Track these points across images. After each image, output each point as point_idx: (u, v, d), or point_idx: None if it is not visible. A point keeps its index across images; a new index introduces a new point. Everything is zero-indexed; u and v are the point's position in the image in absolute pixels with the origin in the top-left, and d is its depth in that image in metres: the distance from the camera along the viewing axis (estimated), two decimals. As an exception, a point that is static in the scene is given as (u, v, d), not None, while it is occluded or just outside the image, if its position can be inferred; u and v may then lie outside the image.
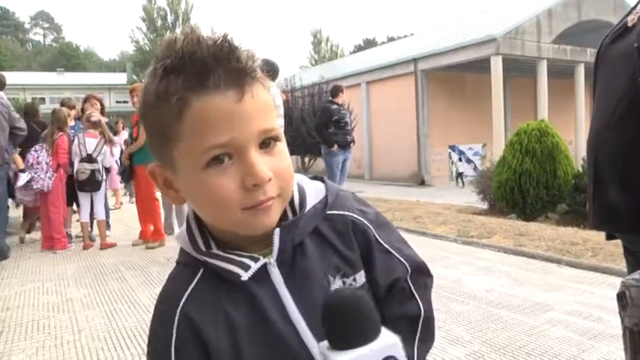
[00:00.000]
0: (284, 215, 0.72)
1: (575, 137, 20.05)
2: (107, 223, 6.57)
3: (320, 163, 12.15)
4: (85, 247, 5.98)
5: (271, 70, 4.93)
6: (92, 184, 5.95)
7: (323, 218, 0.75)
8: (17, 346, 3.11)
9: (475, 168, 21.32)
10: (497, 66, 19.43)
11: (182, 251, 0.75)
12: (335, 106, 7.94)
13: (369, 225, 0.78)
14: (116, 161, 8.75)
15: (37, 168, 5.85)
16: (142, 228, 6.12)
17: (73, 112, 6.89)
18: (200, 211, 0.70)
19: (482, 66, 20.08)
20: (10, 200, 6.56)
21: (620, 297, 0.92)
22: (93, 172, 5.91)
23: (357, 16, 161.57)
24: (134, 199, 10.55)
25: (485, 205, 9.52)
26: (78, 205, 6.41)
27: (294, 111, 17.69)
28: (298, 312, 0.70)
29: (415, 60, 22.69)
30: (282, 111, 5.44)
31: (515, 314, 3.37)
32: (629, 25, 0.99)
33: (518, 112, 23.02)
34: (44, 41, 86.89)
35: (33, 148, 6.09)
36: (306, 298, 0.71)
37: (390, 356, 0.57)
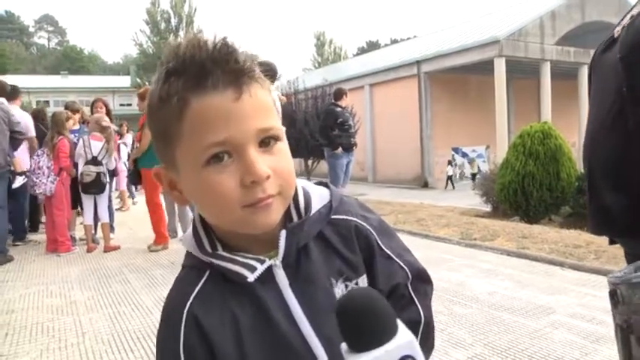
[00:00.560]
0: (289, 218, 0.73)
1: (578, 139, 20.01)
2: (111, 226, 6.59)
3: (323, 166, 12.15)
4: (88, 250, 6.01)
5: (269, 71, 4.94)
6: (97, 186, 5.97)
7: (327, 223, 0.76)
8: (22, 348, 3.12)
9: (478, 170, 21.28)
10: (500, 68, 19.43)
11: (188, 254, 0.77)
12: (339, 109, 7.94)
13: (371, 230, 0.79)
14: (124, 163, 8.82)
15: (39, 173, 5.89)
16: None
17: (77, 116, 6.92)
18: (203, 210, 0.71)
19: (485, 68, 20.09)
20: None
21: (612, 295, 0.94)
22: (98, 174, 5.94)
23: (361, 18, 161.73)
24: (136, 200, 10.62)
25: (488, 208, 9.52)
26: (82, 208, 6.44)
27: (298, 114, 17.72)
28: (303, 314, 0.71)
29: (418, 62, 22.72)
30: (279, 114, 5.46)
31: (517, 317, 3.36)
32: (615, 36, 1.01)
33: (521, 113, 23.02)
34: (48, 44, 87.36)
35: (35, 153, 6.13)
36: (310, 300, 0.72)
37: (406, 355, 0.57)
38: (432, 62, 22.17)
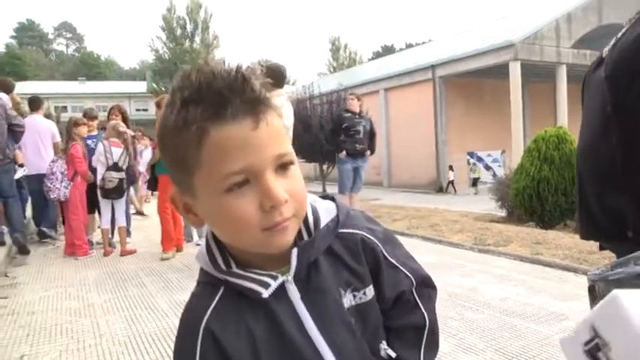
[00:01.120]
0: (299, 235, 0.76)
1: (596, 143, 19.80)
2: (128, 230, 6.70)
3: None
4: (105, 254, 6.12)
5: (277, 75, 4.92)
6: (118, 191, 6.10)
7: (335, 236, 0.79)
8: (42, 348, 3.21)
9: (494, 175, 21.12)
10: (515, 72, 19.28)
11: (202, 271, 0.79)
12: (348, 114, 7.92)
13: (377, 242, 0.83)
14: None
15: (52, 178, 6.07)
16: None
17: (95, 122, 7.06)
18: (220, 233, 0.73)
19: (500, 72, 19.95)
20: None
21: (591, 290, 0.98)
22: (120, 180, 6.06)
23: (376, 23, 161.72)
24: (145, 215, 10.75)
25: (503, 213, 9.46)
26: (100, 213, 6.56)
27: (313, 118, 17.78)
28: (314, 324, 0.74)
29: (433, 66, 22.64)
30: (291, 120, 5.39)
31: (529, 323, 3.37)
32: (603, 56, 1.05)
33: (537, 118, 22.83)
34: (67, 51, 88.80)
35: (51, 159, 6.32)
36: (320, 311, 0.75)
37: None
38: (447, 66, 22.07)
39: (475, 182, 22.20)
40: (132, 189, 9.14)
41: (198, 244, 6.30)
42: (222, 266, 0.75)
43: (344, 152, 7.71)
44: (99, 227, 6.60)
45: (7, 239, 6.06)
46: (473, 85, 22.55)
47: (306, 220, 0.77)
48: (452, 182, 22.16)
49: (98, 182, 6.06)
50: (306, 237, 0.78)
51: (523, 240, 5.90)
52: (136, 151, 7.04)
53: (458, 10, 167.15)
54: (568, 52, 20.25)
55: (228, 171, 0.65)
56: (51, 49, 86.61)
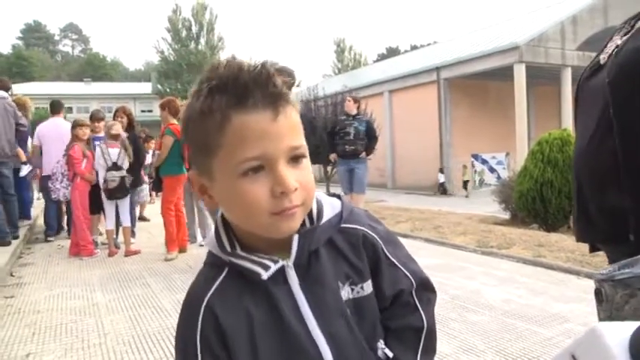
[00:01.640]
0: (302, 224, 0.79)
1: (601, 146, 19.73)
2: (132, 230, 6.74)
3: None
4: (110, 254, 6.16)
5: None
6: (122, 190, 6.13)
7: (337, 231, 0.83)
8: (47, 347, 3.25)
9: (498, 177, 21.09)
10: (520, 74, 19.26)
11: (209, 253, 0.84)
12: (343, 117, 7.92)
13: (378, 239, 0.85)
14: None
15: (53, 179, 6.14)
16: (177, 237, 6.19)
17: (101, 124, 7.11)
18: (232, 214, 0.77)
19: (505, 74, 19.93)
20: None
21: (597, 293, 1.00)
22: (122, 178, 6.09)
23: (381, 24, 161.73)
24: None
25: (507, 215, 9.46)
26: (104, 214, 6.61)
27: (318, 120, 17.80)
28: (311, 312, 0.77)
29: (438, 68, 22.63)
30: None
31: (530, 325, 3.38)
32: (602, 63, 1.07)
33: (542, 120, 22.81)
34: (73, 52, 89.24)
35: (48, 158, 6.44)
36: (318, 300, 0.78)
37: None
38: (452, 68, 22.07)
39: (465, 185, 22.21)
40: (143, 194, 9.22)
41: (201, 245, 6.33)
42: (228, 248, 0.79)
43: (333, 155, 7.68)
44: (102, 228, 6.65)
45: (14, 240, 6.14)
46: (477, 87, 22.53)
47: (310, 212, 0.81)
48: (442, 184, 22.19)
49: (101, 184, 6.10)
50: (308, 226, 0.81)
51: (526, 242, 5.91)
52: (142, 152, 7.08)
53: (463, 12, 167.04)
54: (573, 54, 20.21)
55: (246, 156, 0.70)
56: (57, 50, 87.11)
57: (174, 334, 0.82)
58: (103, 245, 6.67)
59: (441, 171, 22.37)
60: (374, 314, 0.84)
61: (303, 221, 0.79)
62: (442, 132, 22.65)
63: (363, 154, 7.54)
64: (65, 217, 7.87)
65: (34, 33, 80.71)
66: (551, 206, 7.94)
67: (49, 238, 7.35)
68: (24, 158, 6.91)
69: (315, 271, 0.79)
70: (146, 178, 8.96)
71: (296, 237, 0.77)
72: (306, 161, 0.76)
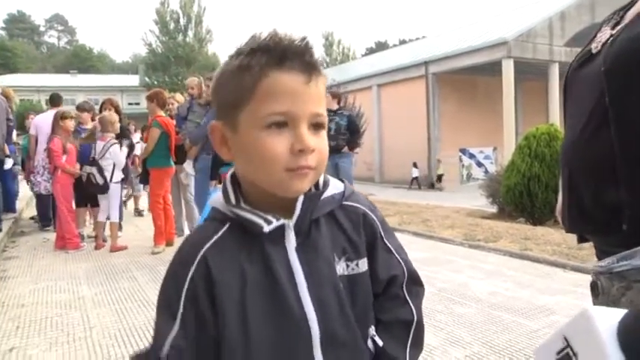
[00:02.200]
0: (308, 191, 0.82)
1: (587, 141, 19.92)
2: (119, 224, 6.66)
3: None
4: (97, 247, 6.10)
5: None
6: (92, 187, 6.02)
7: (340, 207, 0.86)
8: (32, 341, 3.21)
9: (486, 172, 21.23)
10: (508, 69, 19.36)
11: (212, 210, 0.86)
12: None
13: (377, 222, 0.89)
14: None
15: (34, 172, 6.05)
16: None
17: (87, 115, 7.04)
18: (247, 167, 0.80)
19: (493, 69, 20.04)
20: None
21: (593, 286, 1.00)
22: (88, 175, 5.99)
23: (369, 18, 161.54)
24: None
25: (494, 209, 9.53)
26: (91, 207, 6.54)
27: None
28: (303, 278, 0.79)
29: (426, 63, 22.68)
30: None
31: (516, 317, 3.41)
32: (594, 52, 1.07)
33: (529, 115, 22.95)
34: (58, 44, 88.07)
35: (41, 149, 6.35)
36: (311, 266, 0.80)
37: None
38: (440, 63, 22.13)
39: (440, 178, 22.42)
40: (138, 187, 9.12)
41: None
42: (233, 201, 0.82)
43: None
44: (90, 222, 6.58)
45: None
46: (466, 82, 22.63)
47: (317, 183, 0.85)
48: (416, 179, 22.34)
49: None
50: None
51: (513, 236, 5.95)
52: (132, 144, 7.00)
53: (452, 7, 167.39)
54: (561, 50, 20.36)
55: (274, 110, 0.75)
56: (42, 41, 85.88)
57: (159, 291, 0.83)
58: (89, 238, 6.61)
59: (415, 165, 22.55)
60: (367, 296, 0.86)
61: (310, 190, 0.82)
62: (430, 126, 22.73)
63: (346, 148, 7.42)
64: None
65: (18, 24, 79.45)
66: (538, 200, 8.01)
67: (47, 228, 7.37)
68: (7, 151, 6.88)
69: (314, 239, 0.82)
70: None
71: (301, 197, 0.80)
72: (324, 132, 0.80)
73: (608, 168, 0.98)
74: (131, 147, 6.74)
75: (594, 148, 1.01)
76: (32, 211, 8.85)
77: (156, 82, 33.31)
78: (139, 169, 7.01)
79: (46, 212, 7.48)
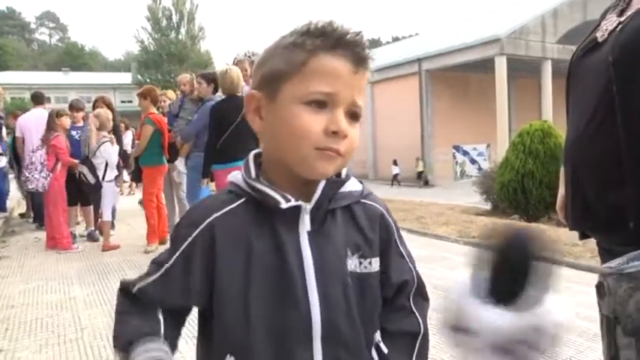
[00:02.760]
0: (330, 179, 0.82)
1: (579, 138, 20.00)
2: (112, 223, 6.58)
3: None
4: (104, 248, 5.97)
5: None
6: (84, 186, 5.95)
7: (358, 202, 0.87)
8: (21, 343, 3.15)
9: (479, 169, 21.27)
10: (501, 66, 19.41)
11: (230, 184, 0.86)
12: None
13: (393, 225, 0.90)
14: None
15: (31, 168, 5.93)
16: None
17: (80, 114, 6.96)
18: (278, 140, 0.80)
19: (486, 66, 20.06)
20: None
21: (599, 287, 0.97)
22: (79, 174, 5.92)
23: (362, 15, 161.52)
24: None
25: (488, 206, 9.53)
26: (82, 205, 6.47)
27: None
28: (312, 262, 0.78)
29: (419, 60, 22.69)
30: None
31: (513, 315, 3.38)
32: (600, 40, 1.04)
33: (522, 112, 23.00)
34: (50, 41, 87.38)
35: (30, 149, 6.21)
36: (321, 256, 0.79)
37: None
38: (433, 60, 22.14)
39: (420, 175, 22.58)
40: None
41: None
42: (253, 174, 0.83)
43: None
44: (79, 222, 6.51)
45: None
46: (459, 79, 22.65)
47: (338, 174, 0.85)
48: (396, 176, 22.39)
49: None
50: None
51: (507, 233, 5.94)
52: (120, 137, 6.94)
53: (444, 4, 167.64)
54: (553, 47, 20.42)
55: (317, 89, 0.76)
56: (33, 38, 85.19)
57: None
58: (81, 237, 6.54)
59: (395, 163, 22.63)
60: (375, 299, 0.85)
61: (332, 178, 0.82)
62: (423, 123, 22.74)
63: None
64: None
65: (7, 21, 78.68)
66: (532, 197, 8.02)
67: (44, 227, 7.22)
68: (0, 150, 6.77)
69: (328, 228, 0.81)
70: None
71: (323, 182, 0.80)
72: (358, 125, 0.81)
73: (614, 163, 0.94)
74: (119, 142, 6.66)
75: (599, 142, 0.98)
76: (23, 210, 8.77)
77: (148, 80, 33.05)
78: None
79: (42, 210, 7.41)
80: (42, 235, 6.76)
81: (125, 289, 0.87)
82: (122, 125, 10.03)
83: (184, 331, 0.89)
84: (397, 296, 0.88)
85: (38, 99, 7.56)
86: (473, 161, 24.28)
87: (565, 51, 20.32)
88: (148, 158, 5.89)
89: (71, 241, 6.12)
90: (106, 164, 5.99)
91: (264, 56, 0.84)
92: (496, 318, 0.60)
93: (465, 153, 24.19)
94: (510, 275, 0.64)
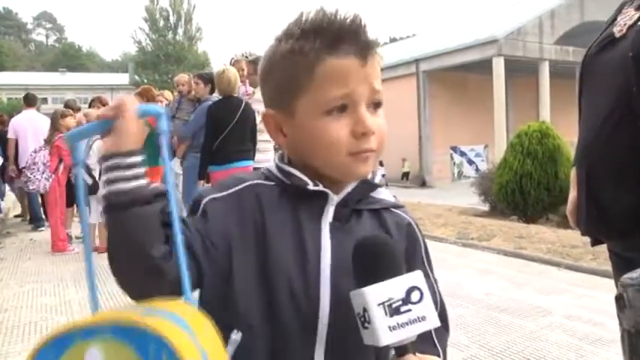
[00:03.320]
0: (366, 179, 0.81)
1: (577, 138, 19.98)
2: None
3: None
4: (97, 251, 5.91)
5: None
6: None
7: (388, 210, 0.84)
8: (14, 348, 3.10)
9: (477, 170, 21.25)
10: (499, 67, 19.39)
11: (264, 169, 0.84)
12: None
13: (421, 239, 0.87)
14: None
15: (33, 169, 5.86)
16: None
17: (77, 116, 6.92)
18: (309, 152, 0.77)
19: (484, 67, 20.04)
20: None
21: (618, 299, 0.92)
22: (75, 177, 5.87)
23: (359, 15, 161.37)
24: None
25: (486, 207, 9.51)
26: (78, 207, 6.41)
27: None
28: (329, 253, 0.75)
29: (417, 61, 22.66)
30: None
31: (513, 318, 3.35)
32: (617, 36, 0.99)
33: (520, 113, 22.98)
34: (47, 42, 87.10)
35: (32, 150, 6.13)
36: (339, 248, 0.75)
37: (414, 287, 0.65)
38: (431, 61, 22.12)
39: (404, 176, 22.69)
40: None
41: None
42: (286, 161, 0.81)
43: None
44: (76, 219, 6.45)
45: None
46: (456, 79, 22.62)
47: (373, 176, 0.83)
48: (383, 176, 22.41)
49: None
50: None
51: (506, 234, 5.91)
52: None
53: (442, 5, 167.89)
54: (551, 48, 20.42)
55: (333, 96, 0.73)
56: (30, 39, 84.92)
57: None
58: (77, 239, 6.48)
59: (380, 164, 22.63)
60: None
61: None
62: (421, 124, 22.72)
63: None
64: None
65: (4, 21, 78.41)
66: (531, 198, 8.00)
67: (41, 228, 7.26)
68: None
69: (351, 227, 0.79)
70: None
71: (356, 181, 0.79)
72: (382, 111, 0.78)
73: (632, 164, 0.90)
74: None
75: (617, 141, 0.93)
76: (18, 212, 8.71)
77: (146, 81, 32.94)
78: None
79: (40, 212, 7.41)
80: (37, 236, 6.71)
81: None
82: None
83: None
84: None
85: (30, 101, 7.53)
86: (470, 162, 24.26)
87: (562, 52, 20.35)
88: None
89: (67, 243, 6.06)
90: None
91: (266, 67, 0.81)
92: None
93: (463, 154, 24.17)
94: None
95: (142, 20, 36.61)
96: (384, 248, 0.69)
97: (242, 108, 4.48)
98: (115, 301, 4.00)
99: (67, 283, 4.58)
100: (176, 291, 0.66)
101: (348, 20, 0.74)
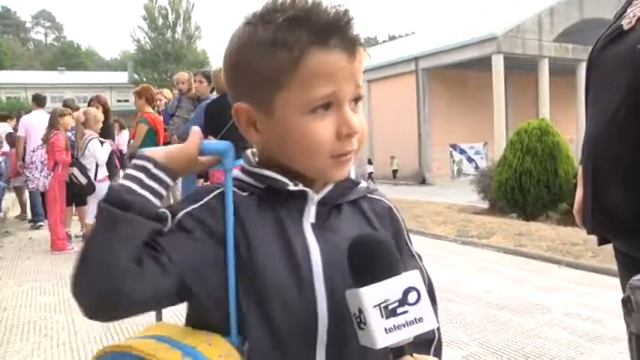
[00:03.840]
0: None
1: (577, 136, 19.99)
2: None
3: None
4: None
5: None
6: (76, 187, 5.89)
7: (364, 198, 0.81)
8: (12, 347, 3.09)
9: (476, 167, 21.25)
10: (498, 64, 19.38)
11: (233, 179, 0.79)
12: None
13: (402, 222, 0.84)
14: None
15: (32, 167, 5.85)
16: None
17: (75, 114, 6.90)
18: (287, 151, 0.72)
19: (483, 64, 20.02)
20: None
21: (625, 302, 0.90)
22: (70, 176, 5.86)
23: (359, 14, 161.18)
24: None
25: (485, 205, 9.50)
26: (77, 205, 6.40)
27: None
28: (319, 254, 0.72)
29: (416, 58, 22.65)
30: None
31: (513, 315, 3.35)
32: (625, 28, 0.97)
33: (519, 110, 22.98)
34: (45, 40, 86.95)
35: (31, 149, 6.11)
36: (327, 247, 0.73)
37: (411, 287, 0.63)
38: (430, 59, 22.10)
39: (394, 174, 22.72)
40: None
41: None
42: (254, 162, 0.77)
43: None
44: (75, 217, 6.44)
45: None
46: (456, 77, 22.61)
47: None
48: (370, 175, 22.44)
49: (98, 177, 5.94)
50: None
51: (506, 232, 5.91)
52: (113, 138, 6.88)
53: (441, 3, 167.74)
54: (550, 45, 20.40)
55: (320, 94, 0.68)
56: (29, 37, 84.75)
57: None
58: (76, 238, 6.47)
59: (370, 162, 22.69)
60: None
61: None
62: (420, 122, 22.71)
63: None
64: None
65: (3, 20, 78.26)
66: (530, 195, 7.99)
67: (39, 223, 7.31)
68: None
69: (332, 224, 0.76)
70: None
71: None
72: (360, 105, 0.75)
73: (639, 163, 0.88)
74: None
75: (625, 135, 0.91)
76: (17, 211, 8.70)
77: (145, 79, 32.91)
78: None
79: (39, 208, 7.41)
80: (36, 235, 6.70)
81: None
82: (117, 125, 9.98)
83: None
84: None
85: (40, 101, 7.52)
86: (470, 160, 24.26)
87: (562, 49, 20.33)
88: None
89: (66, 241, 6.05)
90: (97, 163, 5.91)
91: (237, 55, 0.73)
92: None
93: (462, 151, 24.17)
94: None
95: (141, 19, 36.54)
96: (380, 246, 0.67)
97: (240, 106, 4.49)
98: (114, 299, 3.99)
99: (66, 281, 4.56)
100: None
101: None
